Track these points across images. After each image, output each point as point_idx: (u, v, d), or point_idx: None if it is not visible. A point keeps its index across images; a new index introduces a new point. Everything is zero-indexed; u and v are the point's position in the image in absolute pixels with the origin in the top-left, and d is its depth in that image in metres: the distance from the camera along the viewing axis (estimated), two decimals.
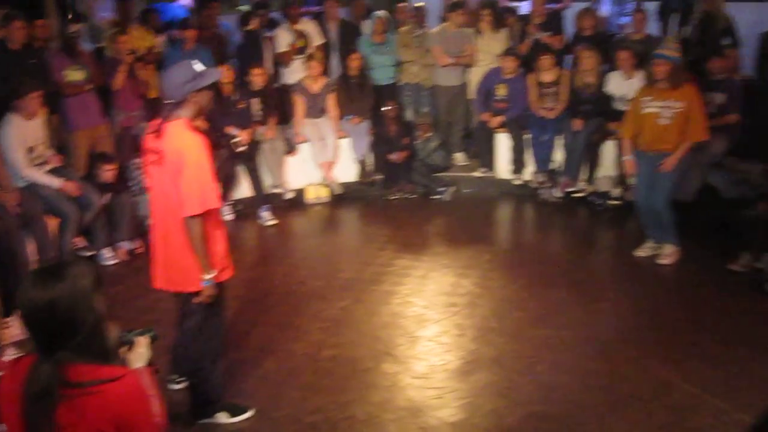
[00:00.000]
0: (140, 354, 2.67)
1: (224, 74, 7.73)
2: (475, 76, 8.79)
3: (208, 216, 3.87)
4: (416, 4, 9.34)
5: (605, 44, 8.46)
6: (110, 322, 2.58)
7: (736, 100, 7.45)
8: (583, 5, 9.61)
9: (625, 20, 9.10)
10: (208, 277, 3.94)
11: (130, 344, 2.68)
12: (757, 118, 7.81)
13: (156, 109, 3.94)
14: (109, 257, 6.80)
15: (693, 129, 6.19)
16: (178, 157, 3.74)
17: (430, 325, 5.48)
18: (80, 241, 6.74)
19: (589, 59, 7.88)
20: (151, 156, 3.92)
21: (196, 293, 4.00)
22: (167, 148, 3.80)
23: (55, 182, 6.41)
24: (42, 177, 6.37)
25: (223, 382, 4.42)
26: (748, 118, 7.65)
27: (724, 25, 8.46)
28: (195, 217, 3.78)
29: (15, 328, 5.07)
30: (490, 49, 8.64)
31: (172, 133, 3.80)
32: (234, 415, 4.40)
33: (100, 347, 2.37)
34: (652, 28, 8.94)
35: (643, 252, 6.65)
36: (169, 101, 3.87)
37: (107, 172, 6.78)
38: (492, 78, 8.46)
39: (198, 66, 3.86)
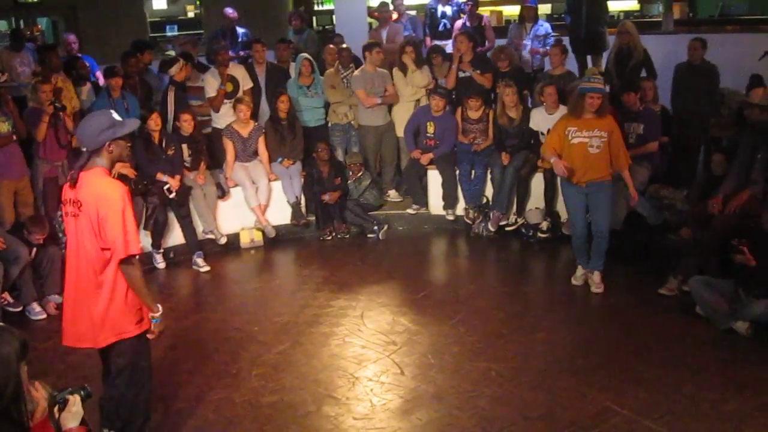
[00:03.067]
0: (74, 413, 2.62)
1: (153, 121, 7.67)
2: (397, 114, 8.95)
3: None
4: (341, 46, 9.45)
5: (524, 80, 8.68)
6: (40, 380, 2.52)
7: (655, 129, 7.72)
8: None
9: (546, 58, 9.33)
10: (157, 314, 3.98)
11: (64, 403, 2.62)
12: (675, 146, 8.12)
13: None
14: (37, 312, 6.60)
15: (621, 156, 6.40)
16: (97, 206, 3.74)
17: (369, 365, 5.47)
18: (6, 297, 6.53)
19: (510, 95, 8.06)
20: (67, 207, 3.91)
21: (120, 343, 3.97)
22: (85, 197, 3.78)
23: None
24: None
25: None
26: (668, 147, 7.94)
27: (640, 58, 8.76)
28: (129, 260, 3.79)
29: None
30: (415, 84, 8.79)
31: (90, 182, 3.80)
32: None
33: (18, 416, 2.30)
34: (570, 62, 9.18)
35: (577, 281, 6.78)
36: (85, 150, 3.88)
37: (37, 238, 6.61)
38: (421, 116, 8.59)
39: (115, 115, 3.90)
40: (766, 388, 4.94)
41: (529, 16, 10.38)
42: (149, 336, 4.08)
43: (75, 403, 2.63)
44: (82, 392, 2.68)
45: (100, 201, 3.73)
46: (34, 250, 6.61)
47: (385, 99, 8.82)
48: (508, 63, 8.87)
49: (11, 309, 6.53)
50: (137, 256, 3.92)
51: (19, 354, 2.30)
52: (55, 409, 2.60)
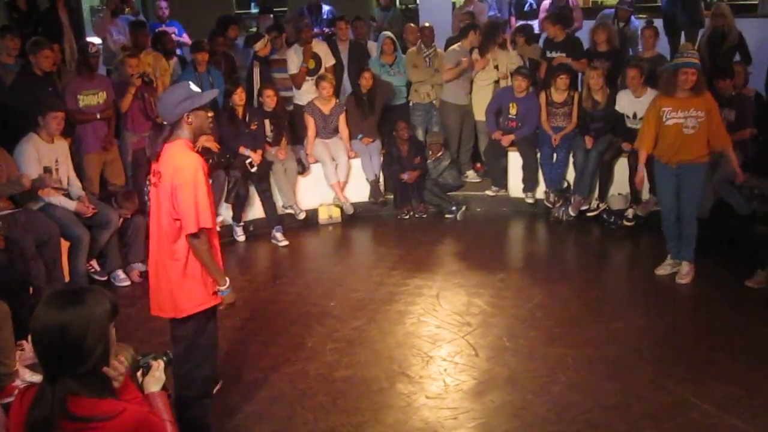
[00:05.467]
0: (156, 378, 2.67)
1: (237, 96, 7.79)
2: (475, 97, 8.86)
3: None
4: (424, 24, 9.38)
5: (619, 61, 8.43)
6: (123, 345, 2.58)
7: (748, 116, 7.43)
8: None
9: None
10: (223, 288, 3.99)
11: (147, 368, 2.68)
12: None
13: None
14: (122, 278, 6.82)
15: (722, 135, 6.16)
16: (172, 177, 3.78)
17: (443, 345, 5.46)
18: (93, 264, 6.76)
19: (595, 78, 7.87)
20: (152, 176, 3.99)
21: (184, 320, 4.01)
22: (165, 169, 3.84)
23: (71, 204, 6.45)
24: (57, 198, 6.40)
25: (208, 423, 4.25)
26: (760, 134, 7.63)
27: (734, 42, 8.44)
28: (196, 234, 3.81)
29: (28, 351, 5.09)
30: (505, 67, 8.67)
31: (170, 153, 3.85)
32: None
33: (104, 378, 2.37)
34: (662, 44, 8.90)
35: (662, 270, 6.59)
36: (166, 122, 3.92)
37: (125, 213, 6.81)
38: (503, 97, 8.48)
39: (194, 87, 3.91)
40: None
41: (624, 15, 9.86)
42: (219, 308, 4.08)
43: (158, 368, 2.69)
44: (164, 358, 2.74)
45: (175, 172, 3.78)
46: (121, 219, 6.81)
47: (458, 68, 8.70)
48: (605, 40, 8.55)
49: (98, 277, 6.75)
50: (213, 229, 3.96)
51: (110, 315, 2.36)
52: (139, 373, 2.67)
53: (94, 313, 2.31)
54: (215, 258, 4.02)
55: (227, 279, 4.03)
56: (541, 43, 9.16)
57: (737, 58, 8.43)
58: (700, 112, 6.06)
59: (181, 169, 3.77)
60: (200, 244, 3.85)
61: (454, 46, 8.82)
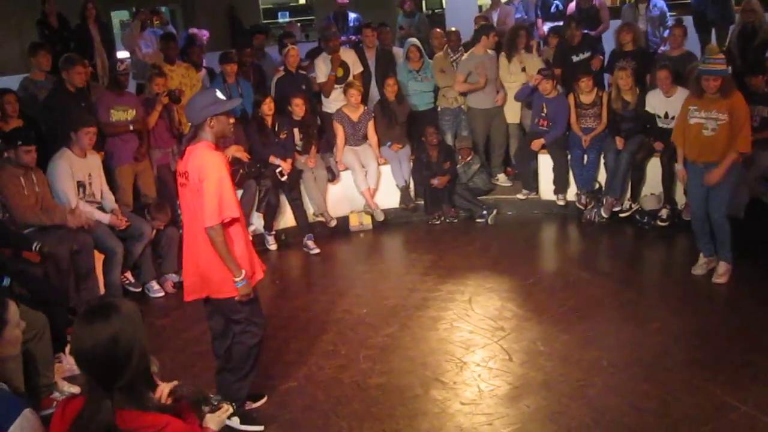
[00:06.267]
0: (219, 420, 2.72)
1: (266, 105, 7.85)
2: (508, 99, 8.82)
3: (230, 225, 4.18)
4: (450, 29, 9.37)
5: (646, 60, 8.35)
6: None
7: None
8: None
9: (664, 34, 8.94)
10: (239, 278, 4.21)
11: (215, 407, 2.75)
12: None
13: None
14: (156, 290, 6.89)
15: (738, 139, 6.03)
16: (200, 174, 4.08)
17: (477, 350, 5.44)
18: (128, 276, 6.83)
19: (625, 79, 7.81)
20: (179, 179, 4.29)
21: (231, 298, 4.29)
22: (190, 168, 4.15)
23: (105, 217, 6.53)
24: (91, 212, 6.48)
25: (248, 392, 4.64)
26: None
27: (765, 37, 8.32)
28: (215, 227, 4.08)
29: (65, 363, 5.16)
30: (529, 71, 8.63)
31: (195, 154, 4.16)
32: (245, 423, 4.51)
33: (146, 391, 2.39)
34: (692, 41, 8.80)
35: (698, 270, 6.51)
36: (191, 124, 4.28)
37: (158, 224, 6.90)
38: (536, 96, 8.44)
39: (219, 94, 4.22)
40: None
41: None
42: (236, 298, 4.30)
43: (226, 411, 2.76)
44: (234, 408, 2.80)
45: (200, 169, 4.08)
46: (154, 231, 6.89)
47: (470, 85, 8.71)
48: (631, 40, 8.48)
49: (132, 289, 6.83)
50: (241, 220, 4.28)
51: (140, 317, 2.42)
52: (206, 408, 2.72)
53: (136, 321, 2.36)
54: (248, 247, 4.34)
55: (243, 271, 4.23)
56: None
57: None
58: (721, 114, 6.00)
59: (204, 165, 4.10)
60: (217, 236, 4.10)
61: (466, 55, 8.80)
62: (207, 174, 4.06)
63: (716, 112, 6.03)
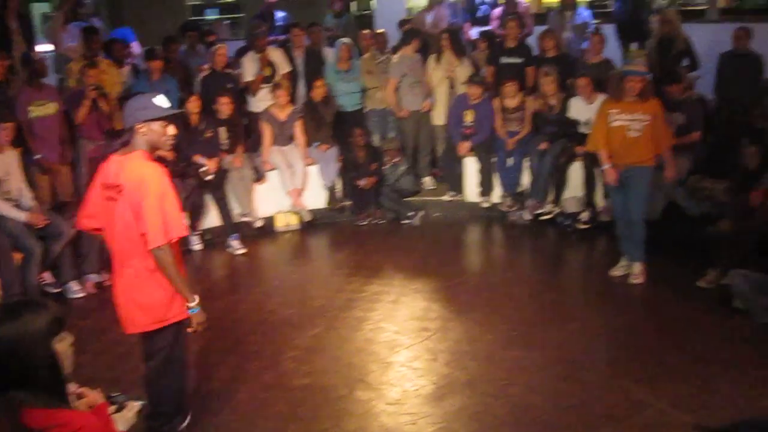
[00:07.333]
0: (127, 419, 2.65)
1: (191, 103, 7.73)
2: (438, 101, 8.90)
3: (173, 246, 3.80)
4: (377, 31, 9.40)
5: (568, 67, 8.54)
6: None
7: (697, 119, 7.60)
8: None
9: (585, 45, 9.16)
10: (192, 304, 3.90)
11: (120, 406, 2.66)
12: (716, 137, 7.95)
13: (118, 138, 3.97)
14: (76, 290, 6.70)
15: (663, 139, 6.32)
16: (138, 189, 3.67)
17: (402, 351, 5.47)
18: (47, 276, 6.64)
19: (549, 84, 7.97)
20: (106, 191, 3.83)
21: (158, 331, 3.95)
22: (125, 181, 3.72)
23: (22, 215, 6.32)
24: (7, 210, 6.28)
25: None
26: (709, 137, 7.79)
27: (682, 47, 8.60)
28: (162, 248, 3.70)
29: None
30: (459, 79, 8.72)
31: (130, 167, 3.74)
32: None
33: (57, 390, 2.34)
34: (612, 50, 9.05)
35: (617, 271, 6.69)
36: (125, 129, 3.83)
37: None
38: (459, 106, 8.53)
39: (158, 100, 3.80)
40: None
41: (568, 3, 10.17)
42: (189, 330, 4.02)
43: (132, 409, 2.67)
44: (139, 403, 2.72)
45: (138, 186, 3.67)
46: (74, 230, 6.70)
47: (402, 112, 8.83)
48: (554, 46, 8.64)
49: (50, 289, 6.64)
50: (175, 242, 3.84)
51: (50, 329, 2.33)
52: (111, 408, 2.63)
53: (29, 328, 2.28)
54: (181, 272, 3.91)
55: (196, 297, 3.92)
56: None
57: (686, 62, 8.60)
58: (645, 116, 6.22)
59: (143, 181, 3.67)
60: (166, 257, 3.73)
61: (396, 57, 8.84)
62: (147, 190, 3.65)
63: (640, 113, 6.22)
